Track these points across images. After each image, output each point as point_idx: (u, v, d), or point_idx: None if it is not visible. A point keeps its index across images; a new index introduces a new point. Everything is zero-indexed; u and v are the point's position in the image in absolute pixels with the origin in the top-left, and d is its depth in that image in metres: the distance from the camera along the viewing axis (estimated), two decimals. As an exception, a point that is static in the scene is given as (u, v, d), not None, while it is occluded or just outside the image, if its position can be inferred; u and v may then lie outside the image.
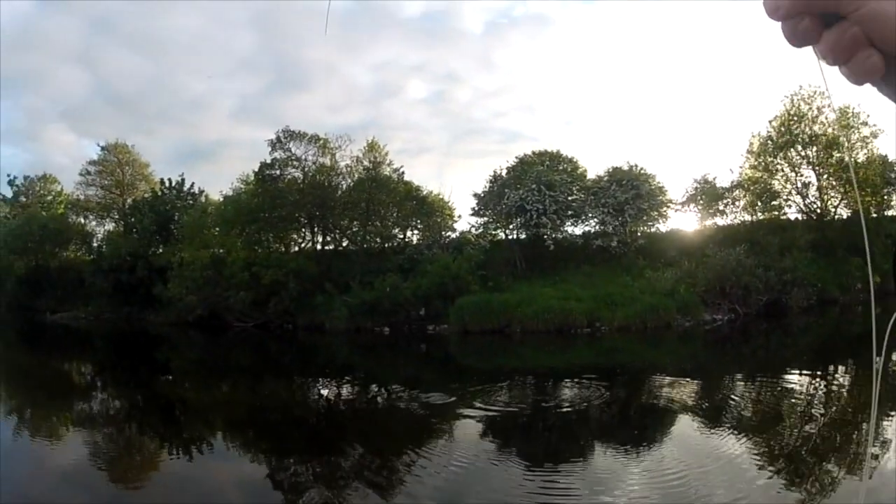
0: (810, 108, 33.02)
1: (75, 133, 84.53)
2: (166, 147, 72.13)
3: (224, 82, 77.67)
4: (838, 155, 32.60)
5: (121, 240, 38.94)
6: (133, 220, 39.92)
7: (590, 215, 34.34)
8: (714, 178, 35.16)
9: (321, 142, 35.58)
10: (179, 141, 73.18)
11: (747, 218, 34.71)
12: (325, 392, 17.78)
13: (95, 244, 43.84)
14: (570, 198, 33.93)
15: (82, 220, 46.31)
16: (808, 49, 0.68)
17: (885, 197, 34.83)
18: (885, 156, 33.87)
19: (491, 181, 35.87)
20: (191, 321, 31.66)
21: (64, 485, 9.68)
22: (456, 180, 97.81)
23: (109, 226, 45.14)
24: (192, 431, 13.52)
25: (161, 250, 36.51)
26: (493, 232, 36.24)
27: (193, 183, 40.89)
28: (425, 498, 8.79)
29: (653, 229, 35.30)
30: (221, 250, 33.17)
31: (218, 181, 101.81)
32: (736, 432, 11.31)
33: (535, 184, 32.95)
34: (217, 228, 35.37)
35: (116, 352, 28.79)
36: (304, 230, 36.75)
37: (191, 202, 39.97)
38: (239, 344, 29.03)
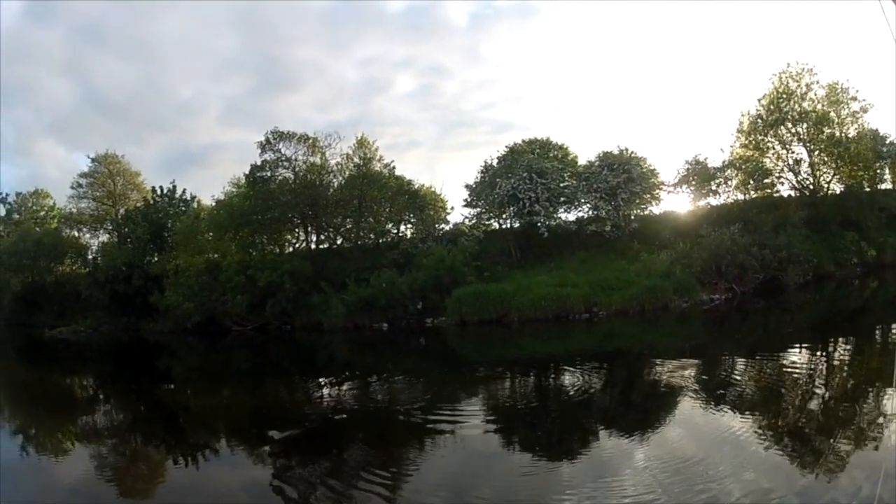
0: (799, 85, 33.19)
1: (65, 146, 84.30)
2: (157, 155, 72.04)
3: (211, 85, 77.54)
4: (829, 131, 32.70)
5: (115, 251, 38.77)
6: (126, 230, 39.75)
7: (582, 201, 34.43)
8: (705, 159, 34.97)
9: (310, 141, 35.39)
10: (170, 147, 73.25)
11: (740, 197, 34.55)
12: (326, 391, 17.84)
13: (90, 257, 43.59)
14: (561, 184, 33.96)
15: (76, 234, 45.96)
16: None
17: (878, 171, 34.97)
18: (876, 130, 34.12)
19: (482, 171, 36.08)
20: (189, 328, 31.81)
21: (73, 498, 9.75)
22: (447, 173, 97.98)
23: (103, 237, 44.89)
24: (196, 438, 13.64)
25: (156, 259, 36.46)
26: (487, 222, 36.52)
27: (185, 189, 40.78)
28: (431, 493, 8.82)
29: (646, 212, 35.30)
30: (216, 255, 33.04)
31: (210, 186, 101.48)
32: (740, 412, 11.34)
33: (527, 172, 33.00)
34: (210, 233, 35.16)
35: (117, 363, 28.75)
36: (297, 230, 36.54)
37: (183, 209, 39.76)
38: (238, 348, 29.16)
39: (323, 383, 18.93)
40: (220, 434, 13.78)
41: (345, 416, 14.59)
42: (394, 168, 36.64)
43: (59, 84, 78.75)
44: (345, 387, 18.29)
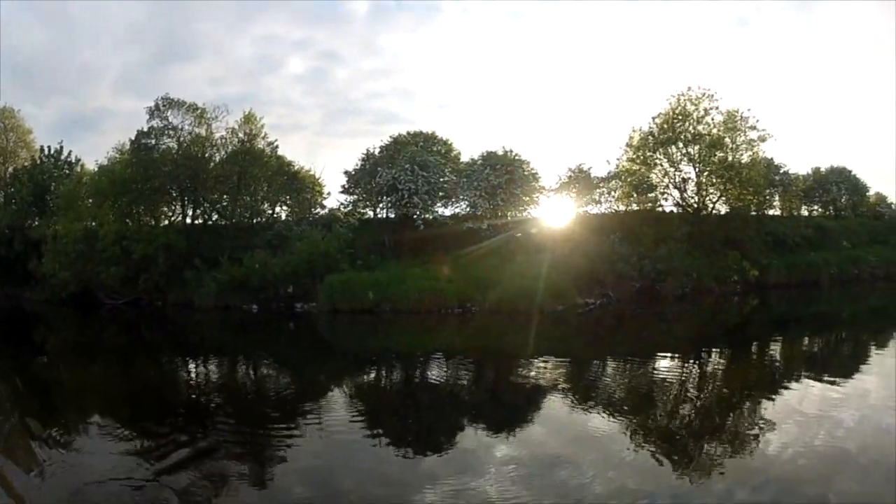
0: (696, 109, 35.31)
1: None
2: (53, 116, 69.13)
3: (111, 51, 74.99)
4: (721, 154, 34.89)
5: (1, 211, 37.79)
6: (13, 189, 38.82)
7: (461, 197, 35.54)
8: (589, 168, 36.68)
9: (199, 111, 35.57)
10: (65, 110, 70.59)
11: (622, 208, 36.37)
12: (196, 372, 18.72)
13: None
14: (442, 179, 35.03)
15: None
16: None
17: (768, 197, 38.07)
18: (771, 159, 37.36)
19: (363, 159, 36.88)
20: (64, 298, 31.54)
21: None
22: (327, 159, 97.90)
23: (-7, 197, 43.40)
24: (69, 417, 13.87)
25: (37, 223, 35.81)
26: (362, 210, 37.23)
27: (71, 151, 40.02)
28: (297, 481, 9.22)
29: (525, 214, 36.27)
30: (94, 223, 32.78)
31: (100, 152, 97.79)
32: (609, 413, 11.93)
33: (409, 163, 33.92)
34: (91, 200, 34.70)
35: (-3, 333, 28.01)
36: (174, 203, 36.32)
37: (67, 172, 38.93)
38: (111, 322, 29.20)
39: (194, 364, 19.82)
40: (93, 412, 14.06)
41: (215, 398, 15.34)
42: (277, 147, 37.26)
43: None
44: (215, 368, 19.34)
